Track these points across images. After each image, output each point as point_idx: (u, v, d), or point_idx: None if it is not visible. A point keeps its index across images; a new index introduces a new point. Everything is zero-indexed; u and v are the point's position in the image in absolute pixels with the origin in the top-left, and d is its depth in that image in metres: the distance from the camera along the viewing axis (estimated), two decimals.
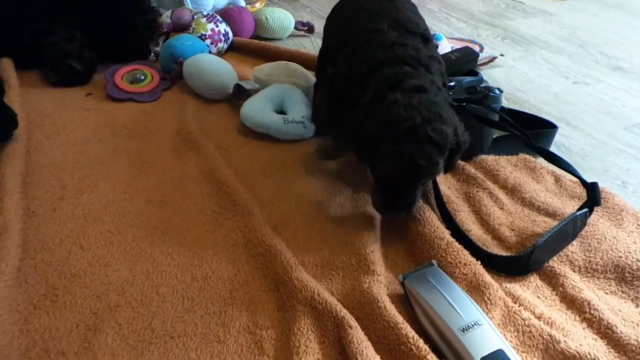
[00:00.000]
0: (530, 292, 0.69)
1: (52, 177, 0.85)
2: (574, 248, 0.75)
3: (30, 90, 1.08)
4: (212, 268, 0.70)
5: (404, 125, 0.67)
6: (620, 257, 0.73)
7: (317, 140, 0.75)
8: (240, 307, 0.65)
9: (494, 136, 0.98)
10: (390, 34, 0.76)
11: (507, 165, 0.93)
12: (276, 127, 0.96)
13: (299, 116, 0.98)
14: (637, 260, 0.72)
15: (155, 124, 1.01)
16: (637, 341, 0.61)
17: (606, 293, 0.69)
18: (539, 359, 0.60)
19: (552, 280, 0.70)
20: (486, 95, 0.95)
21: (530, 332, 0.62)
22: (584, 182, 0.81)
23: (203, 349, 0.59)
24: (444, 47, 1.31)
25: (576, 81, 1.35)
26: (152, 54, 1.23)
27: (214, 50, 1.25)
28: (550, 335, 0.60)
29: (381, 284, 0.67)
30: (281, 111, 1.01)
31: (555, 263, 0.72)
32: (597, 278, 0.71)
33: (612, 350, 0.61)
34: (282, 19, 1.45)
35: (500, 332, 0.60)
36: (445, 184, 0.87)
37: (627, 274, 0.71)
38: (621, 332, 0.62)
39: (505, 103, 1.10)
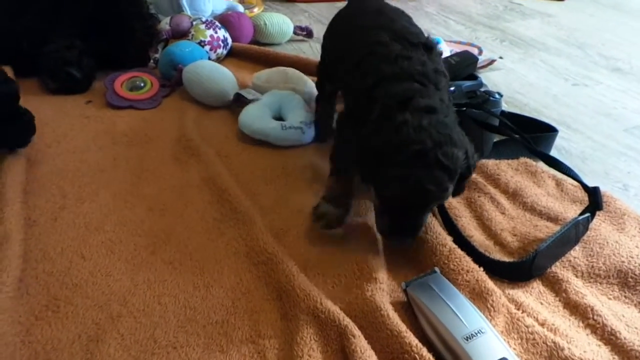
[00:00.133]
0: (533, 298, 0.69)
1: (52, 185, 0.84)
2: (576, 253, 0.75)
3: (30, 98, 1.07)
4: (214, 277, 0.70)
5: (413, 148, 0.63)
6: (623, 261, 0.72)
7: (314, 210, 0.75)
8: (243, 316, 0.64)
9: (495, 140, 0.98)
10: (394, 46, 0.74)
11: (508, 169, 0.92)
12: (275, 134, 0.96)
13: (296, 122, 0.98)
14: None
15: (155, 131, 1.01)
16: None
17: (609, 298, 0.69)
18: None
19: (555, 286, 0.70)
20: (486, 100, 0.96)
21: (534, 339, 0.61)
22: (585, 187, 0.80)
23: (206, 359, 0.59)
24: (443, 50, 1.31)
25: (575, 83, 1.36)
26: (152, 61, 1.23)
27: (213, 56, 1.25)
28: (554, 342, 0.60)
29: (384, 292, 0.66)
30: (279, 117, 1.01)
31: (558, 268, 0.72)
32: (600, 283, 0.71)
33: (616, 357, 0.61)
34: (281, 24, 1.45)
35: (504, 340, 0.60)
36: None
37: (630, 279, 0.71)
38: (625, 338, 0.62)
39: (505, 106, 1.10)
